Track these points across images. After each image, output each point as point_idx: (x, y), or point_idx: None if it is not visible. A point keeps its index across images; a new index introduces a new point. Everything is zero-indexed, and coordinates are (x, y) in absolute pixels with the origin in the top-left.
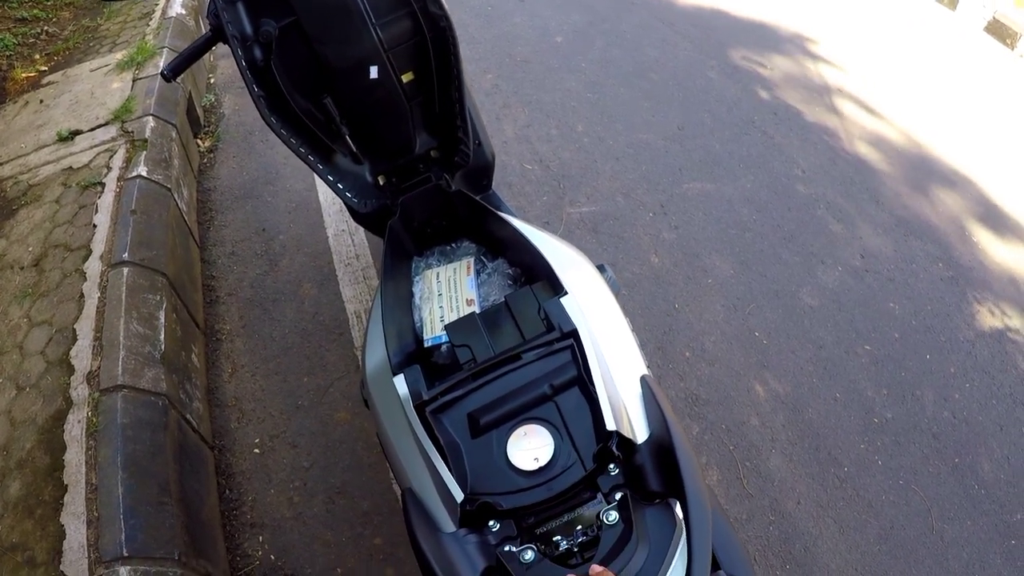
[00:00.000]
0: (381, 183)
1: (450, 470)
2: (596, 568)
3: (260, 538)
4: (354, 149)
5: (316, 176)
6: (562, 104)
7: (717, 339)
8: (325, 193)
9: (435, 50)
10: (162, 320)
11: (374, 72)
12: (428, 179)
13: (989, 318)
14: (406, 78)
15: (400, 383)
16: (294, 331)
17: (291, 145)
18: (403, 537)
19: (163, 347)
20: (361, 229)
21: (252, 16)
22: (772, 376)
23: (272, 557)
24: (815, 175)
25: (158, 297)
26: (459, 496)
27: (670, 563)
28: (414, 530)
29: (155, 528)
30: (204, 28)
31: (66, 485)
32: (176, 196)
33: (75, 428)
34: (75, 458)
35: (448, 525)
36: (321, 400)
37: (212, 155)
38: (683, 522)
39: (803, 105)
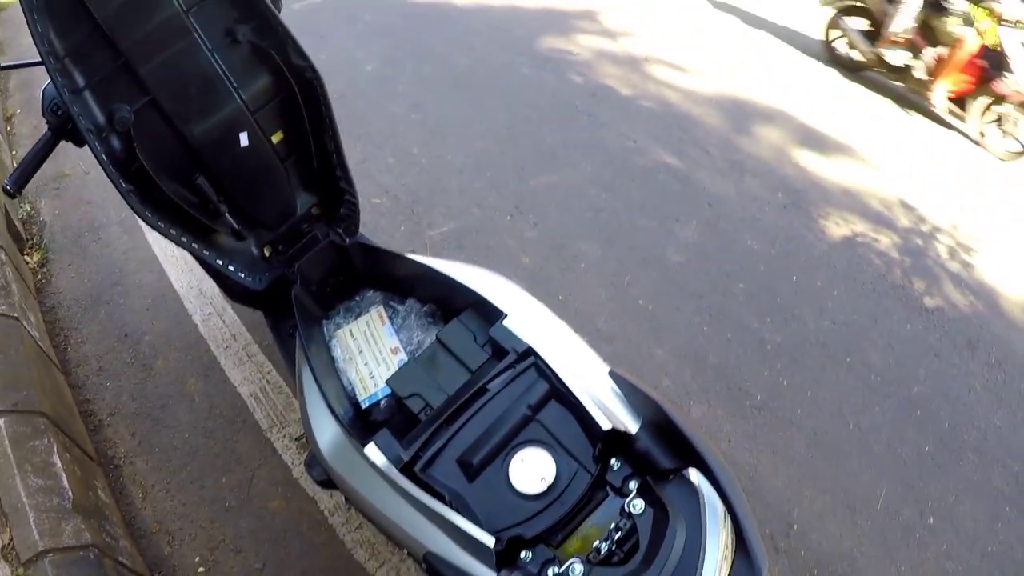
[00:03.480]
0: (267, 254)
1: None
2: None
3: None
4: (236, 225)
5: (199, 263)
6: (390, 131)
7: (607, 317)
8: (180, 279)
9: (304, 103)
10: (59, 464)
11: (244, 139)
12: (315, 238)
13: (836, 229)
14: (276, 139)
15: (373, 452)
16: (195, 432)
17: (171, 236)
18: None
19: (71, 493)
20: (229, 306)
21: (102, 103)
22: (667, 336)
23: None
24: (647, 143)
25: (46, 440)
26: (489, 542)
27: (706, 527)
28: None
29: None
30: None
31: None
32: (25, 324)
33: None
34: None
35: (485, 573)
36: (248, 495)
37: (45, 269)
38: (702, 485)
39: (617, 80)
